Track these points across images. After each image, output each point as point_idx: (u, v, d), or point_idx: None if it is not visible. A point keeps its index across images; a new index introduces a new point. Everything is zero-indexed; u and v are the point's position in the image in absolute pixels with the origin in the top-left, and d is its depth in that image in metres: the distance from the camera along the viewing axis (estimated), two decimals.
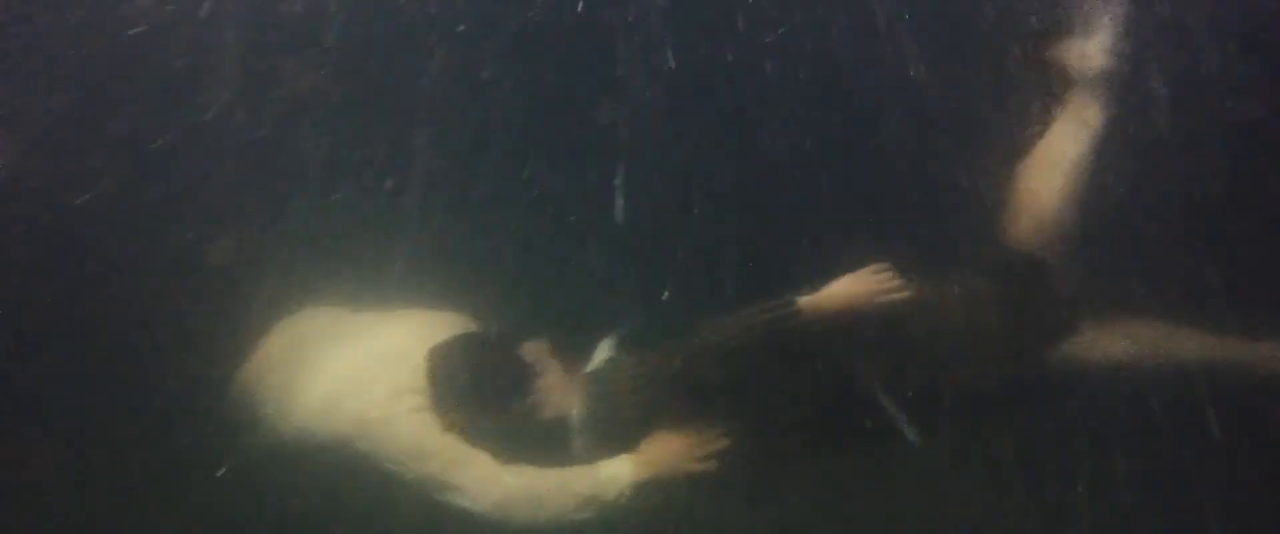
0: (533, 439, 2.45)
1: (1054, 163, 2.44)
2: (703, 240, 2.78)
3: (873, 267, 2.33)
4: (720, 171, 2.76)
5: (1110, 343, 2.36)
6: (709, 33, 2.75)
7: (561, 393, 2.52)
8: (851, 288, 2.32)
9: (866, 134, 2.76)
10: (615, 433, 2.42)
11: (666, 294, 2.58)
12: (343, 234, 2.83)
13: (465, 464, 2.36)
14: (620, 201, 2.66)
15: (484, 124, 2.85)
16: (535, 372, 2.53)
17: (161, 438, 2.67)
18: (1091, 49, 2.44)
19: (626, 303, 2.71)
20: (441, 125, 2.84)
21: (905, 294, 2.29)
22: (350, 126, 2.87)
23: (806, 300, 2.33)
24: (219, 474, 2.47)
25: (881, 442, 2.39)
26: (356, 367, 2.50)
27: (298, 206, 2.81)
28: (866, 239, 2.42)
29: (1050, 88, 2.49)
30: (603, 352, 2.61)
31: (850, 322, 2.30)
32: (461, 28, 2.79)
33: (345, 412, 2.43)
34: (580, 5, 2.76)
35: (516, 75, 2.85)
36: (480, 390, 2.45)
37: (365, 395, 2.43)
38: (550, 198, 2.84)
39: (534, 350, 2.57)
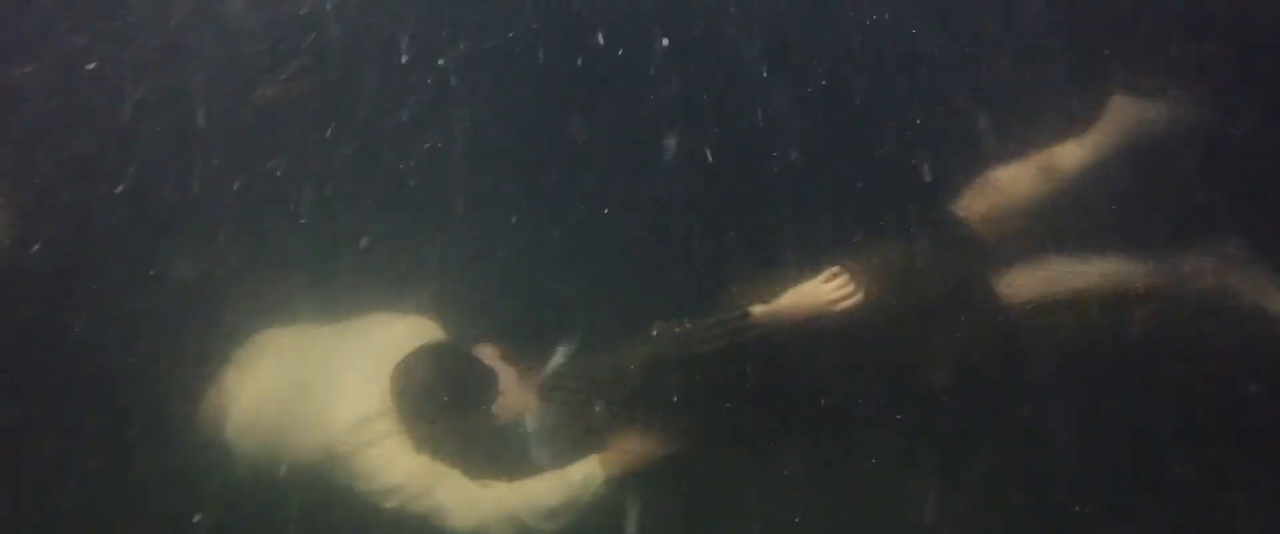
0: (495, 447, 2.44)
1: (1043, 177, 2.44)
2: (657, 245, 2.75)
3: (828, 272, 2.29)
4: (671, 175, 2.72)
5: (1024, 283, 2.34)
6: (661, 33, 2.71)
7: (519, 399, 2.50)
8: (807, 296, 2.29)
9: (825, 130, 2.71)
10: (572, 437, 2.41)
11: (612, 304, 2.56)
12: (295, 243, 2.79)
13: (441, 488, 2.32)
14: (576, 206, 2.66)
15: (436, 129, 2.82)
16: (497, 378, 2.49)
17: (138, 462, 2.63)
18: (1148, 113, 2.44)
19: (581, 308, 2.69)
20: (393, 131, 2.82)
21: (860, 298, 2.25)
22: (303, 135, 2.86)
23: (761, 309, 2.29)
24: (196, 519, 2.43)
25: (844, 443, 2.39)
26: (320, 395, 2.43)
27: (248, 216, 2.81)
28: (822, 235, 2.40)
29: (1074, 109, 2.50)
30: (558, 358, 2.58)
31: (807, 328, 2.27)
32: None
33: (313, 444, 2.37)
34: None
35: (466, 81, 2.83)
36: (446, 401, 2.40)
37: (331, 427, 2.36)
38: (506, 203, 2.81)
39: (488, 356, 2.54)
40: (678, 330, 2.34)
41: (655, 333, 2.37)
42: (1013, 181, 2.45)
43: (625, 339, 2.44)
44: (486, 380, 2.47)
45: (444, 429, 2.41)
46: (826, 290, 2.27)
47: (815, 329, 2.27)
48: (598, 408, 2.40)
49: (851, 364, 2.32)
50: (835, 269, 2.28)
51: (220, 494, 2.44)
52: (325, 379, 2.47)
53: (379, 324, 2.62)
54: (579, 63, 2.76)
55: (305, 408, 2.42)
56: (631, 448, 2.35)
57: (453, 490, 2.32)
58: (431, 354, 2.47)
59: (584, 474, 2.33)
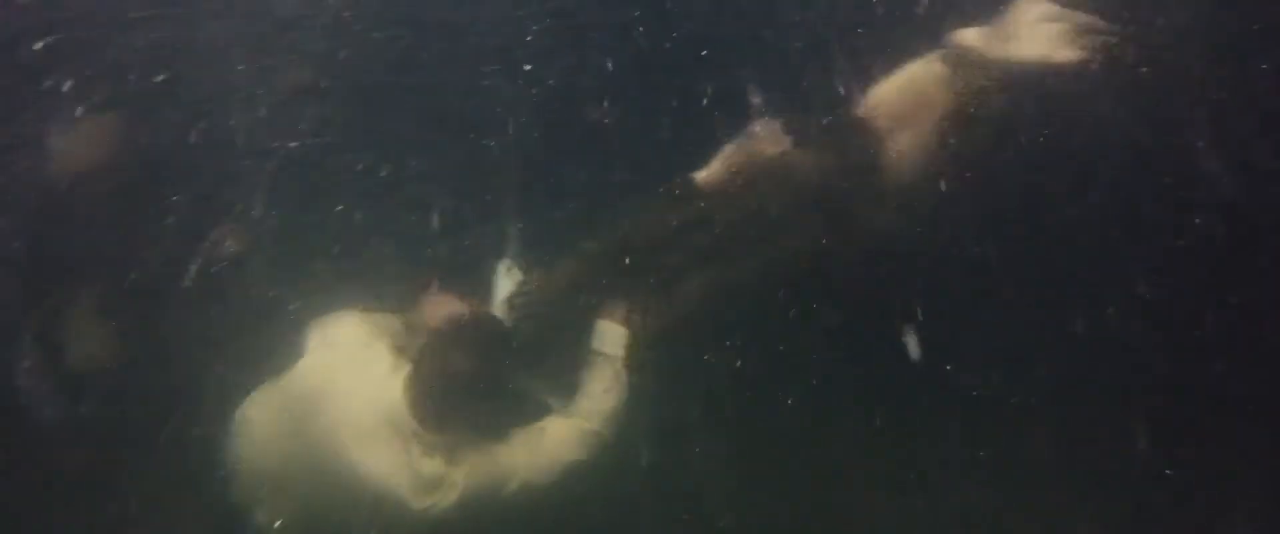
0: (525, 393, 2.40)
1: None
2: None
3: (755, 126, 2.50)
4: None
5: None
6: None
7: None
8: (739, 152, 2.48)
9: None
10: (553, 341, 2.41)
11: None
12: None
13: (520, 465, 2.24)
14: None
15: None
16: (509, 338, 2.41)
17: None
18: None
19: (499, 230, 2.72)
20: None
21: (790, 143, 2.46)
22: None
23: (701, 175, 2.48)
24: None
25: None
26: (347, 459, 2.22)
27: None
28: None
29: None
30: (502, 278, 2.58)
31: (746, 181, 2.43)
32: None
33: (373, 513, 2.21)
34: None
35: None
36: (477, 398, 2.28)
37: (383, 496, 2.19)
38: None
39: (444, 302, 2.45)
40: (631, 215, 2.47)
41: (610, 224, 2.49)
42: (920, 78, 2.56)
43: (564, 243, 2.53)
44: (504, 344, 2.38)
45: (479, 417, 2.29)
46: (757, 143, 2.49)
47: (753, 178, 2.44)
48: (573, 301, 2.41)
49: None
50: (762, 122, 2.49)
51: None
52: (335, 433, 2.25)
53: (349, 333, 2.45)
54: None
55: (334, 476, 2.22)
56: (627, 309, 2.41)
57: (532, 458, 2.27)
58: (438, 362, 2.28)
59: (607, 352, 2.38)
